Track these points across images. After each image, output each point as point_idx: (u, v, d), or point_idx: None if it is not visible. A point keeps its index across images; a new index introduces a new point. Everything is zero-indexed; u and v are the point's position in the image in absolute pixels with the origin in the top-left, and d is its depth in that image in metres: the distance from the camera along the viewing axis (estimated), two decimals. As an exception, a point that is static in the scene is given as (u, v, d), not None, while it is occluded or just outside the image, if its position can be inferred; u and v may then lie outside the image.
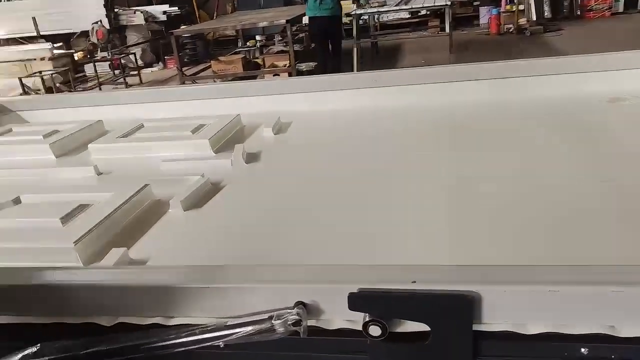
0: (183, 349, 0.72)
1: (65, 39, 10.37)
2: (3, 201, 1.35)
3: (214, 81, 7.82)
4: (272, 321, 0.67)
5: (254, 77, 7.80)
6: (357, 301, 0.66)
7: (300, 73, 6.97)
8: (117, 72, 9.28)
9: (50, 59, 8.84)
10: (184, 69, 8.01)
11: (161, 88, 2.49)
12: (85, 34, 10.26)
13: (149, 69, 10.08)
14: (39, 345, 0.79)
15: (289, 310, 0.68)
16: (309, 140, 1.82)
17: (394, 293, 0.65)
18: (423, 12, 10.09)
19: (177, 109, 2.23)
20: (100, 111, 2.31)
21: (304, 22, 9.21)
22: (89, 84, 9.16)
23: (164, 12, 10.41)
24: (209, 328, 0.70)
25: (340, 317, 0.70)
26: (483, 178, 1.28)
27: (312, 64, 7.20)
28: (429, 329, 0.66)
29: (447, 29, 7.09)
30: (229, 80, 7.79)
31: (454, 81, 2.05)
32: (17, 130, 2.12)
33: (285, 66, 7.17)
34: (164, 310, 0.76)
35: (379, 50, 9.16)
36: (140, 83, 9.00)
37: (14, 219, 1.27)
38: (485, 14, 10.43)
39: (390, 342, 0.67)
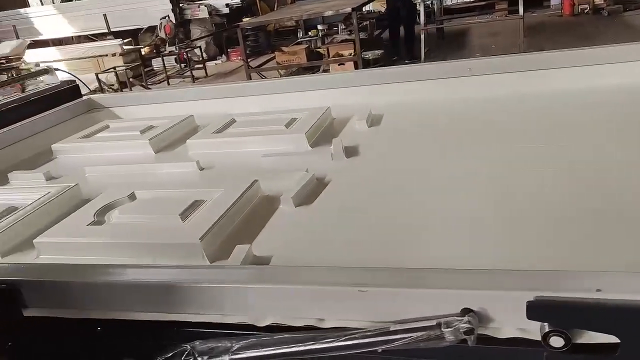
0: (342, 352, 0.70)
1: (133, 35, 10.71)
2: (118, 197, 1.39)
3: (279, 72, 7.87)
4: (442, 329, 0.65)
5: (317, 67, 7.80)
6: (536, 310, 0.62)
7: (366, 62, 6.90)
8: (182, 65, 9.53)
9: (120, 54, 9.16)
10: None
11: (245, 82, 2.51)
12: (151, 30, 10.59)
13: (213, 62, 10.28)
14: (189, 344, 0.80)
15: (458, 318, 0.65)
16: (405, 132, 1.78)
17: (577, 302, 0.61)
18: (489, -6, 9.75)
19: (261, 102, 2.24)
20: (188, 106, 2.35)
21: (364, 10, 9.11)
22: (157, 78, 9.43)
23: (227, 5, 10.56)
24: (370, 333, 0.69)
25: (511, 325, 0.66)
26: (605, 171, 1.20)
27: (378, 52, 7.11)
28: (618, 340, 0.61)
29: (521, 11, 6.77)
30: (294, 71, 7.83)
31: (549, 68, 1.95)
32: (114, 126, 2.19)
33: (350, 55, 7.11)
34: (316, 312, 0.75)
35: (444, 36, 8.93)
36: (206, 76, 9.19)
37: (134, 214, 1.30)
38: (556, -6, 9.95)
39: (573, 354, 0.63)
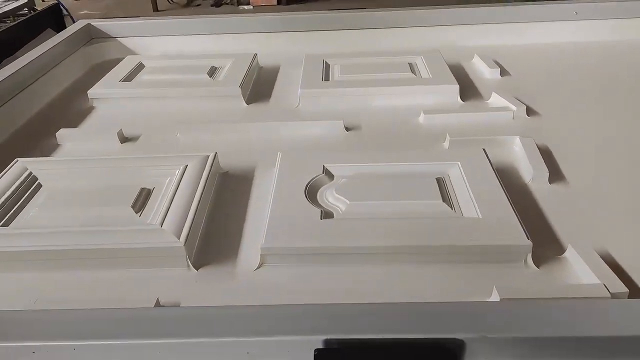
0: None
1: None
2: (311, 175, 1.01)
3: None
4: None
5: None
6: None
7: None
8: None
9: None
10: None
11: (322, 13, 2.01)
12: None
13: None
14: None
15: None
16: (548, 82, 1.55)
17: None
18: None
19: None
20: (217, 41, 1.90)
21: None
22: None
23: None
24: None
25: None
26: None
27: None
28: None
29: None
30: None
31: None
32: (152, 65, 1.68)
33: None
34: None
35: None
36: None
37: (366, 203, 0.93)
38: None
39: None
